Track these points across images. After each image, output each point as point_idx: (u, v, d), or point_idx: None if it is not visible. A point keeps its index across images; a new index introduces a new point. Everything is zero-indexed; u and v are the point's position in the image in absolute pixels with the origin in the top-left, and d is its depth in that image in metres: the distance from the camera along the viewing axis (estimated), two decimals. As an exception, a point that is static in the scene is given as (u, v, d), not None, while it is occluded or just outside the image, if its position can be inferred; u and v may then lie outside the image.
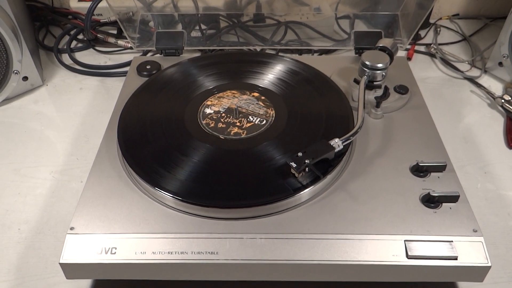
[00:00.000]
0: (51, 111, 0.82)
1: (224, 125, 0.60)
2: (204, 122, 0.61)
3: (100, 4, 0.91)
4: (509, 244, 0.58)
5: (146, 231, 0.49)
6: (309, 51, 0.93)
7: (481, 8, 1.07)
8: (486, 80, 0.87)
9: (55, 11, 1.03)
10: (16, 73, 0.81)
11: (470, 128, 0.76)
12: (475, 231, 0.48)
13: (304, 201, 0.51)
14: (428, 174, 0.54)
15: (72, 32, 1.00)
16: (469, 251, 0.47)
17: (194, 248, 0.47)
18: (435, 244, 0.47)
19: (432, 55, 0.94)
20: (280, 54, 0.88)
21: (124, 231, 0.49)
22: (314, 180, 0.51)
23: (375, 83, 0.64)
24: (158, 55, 0.82)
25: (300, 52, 0.93)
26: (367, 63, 0.63)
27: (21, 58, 0.80)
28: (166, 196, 0.51)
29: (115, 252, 0.47)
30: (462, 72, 0.89)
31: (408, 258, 0.47)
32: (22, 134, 0.76)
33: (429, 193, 0.51)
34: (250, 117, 0.61)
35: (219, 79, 0.69)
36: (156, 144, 0.58)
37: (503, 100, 0.79)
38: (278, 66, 0.71)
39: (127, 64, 0.91)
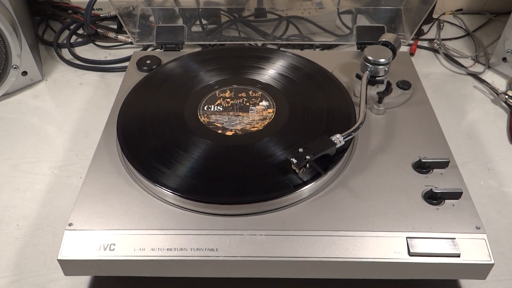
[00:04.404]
0: (50, 106, 0.81)
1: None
2: (204, 117, 0.60)
3: (100, -1, 0.91)
4: (512, 242, 0.58)
5: (145, 227, 0.48)
6: (311, 46, 0.92)
7: (484, 3, 1.06)
8: (489, 76, 0.86)
9: (54, 6, 1.02)
10: (15, 68, 0.80)
11: (473, 124, 0.75)
12: (478, 228, 0.48)
13: (305, 197, 0.51)
14: (431, 171, 0.54)
15: (72, 27, 0.99)
16: (472, 249, 0.46)
17: (194, 245, 0.47)
18: (437, 241, 0.47)
19: (435, 51, 0.93)
20: (281, 49, 0.88)
21: (123, 227, 0.48)
22: (315, 177, 0.51)
23: (377, 78, 0.64)
24: (158, 50, 0.82)
25: (301, 47, 0.92)
26: (370, 58, 0.62)
27: (20, 53, 0.80)
28: (166, 192, 0.50)
29: (113, 249, 0.47)
30: (465, 67, 0.88)
31: (410, 256, 0.46)
32: (21, 129, 0.76)
33: (431, 189, 0.50)
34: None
35: (219, 74, 0.68)
36: (156, 140, 0.57)
37: (506, 96, 0.78)
38: (279, 61, 0.70)
39: (127, 59, 0.90)
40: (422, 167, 0.54)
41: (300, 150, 0.51)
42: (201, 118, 0.60)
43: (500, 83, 0.84)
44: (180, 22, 0.88)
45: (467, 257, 0.46)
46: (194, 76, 0.68)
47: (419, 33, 0.97)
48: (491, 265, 0.46)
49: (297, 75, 0.67)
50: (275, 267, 0.47)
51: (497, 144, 0.72)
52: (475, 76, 0.86)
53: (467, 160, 0.69)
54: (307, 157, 0.50)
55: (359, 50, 0.78)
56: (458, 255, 0.46)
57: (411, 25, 0.79)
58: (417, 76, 0.69)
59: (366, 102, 0.58)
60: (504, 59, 0.85)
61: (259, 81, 0.66)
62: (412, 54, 0.92)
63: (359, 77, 0.65)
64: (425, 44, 0.96)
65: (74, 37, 0.99)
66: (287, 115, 0.60)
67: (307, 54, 0.74)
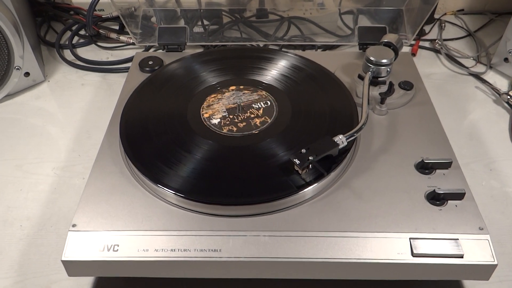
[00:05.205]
0: (53, 107, 0.81)
1: (227, 122, 0.59)
2: (206, 118, 0.60)
3: (102, 0, 0.91)
4: (515, 242, 0.58)
5: (149, 228, 0.48)
6: (313, 47, 0.92)
7: (486, 3, 1.06)
8: (491, 76, 0.86)
9: (56, 7, 1.02)
10: (17, 68, 0.80)
11: (475, 124, 0.75)
12: (481, 229, 0.48)
13: (307, 198, 0.51)
14: (433, 171, 0.54)
15: (74, 28, 1.00)
16: (475, 249, 0.46)
17: (197, 246, 0.47)
18: (440, 242, 0.47)
19: (437, 51, 0.93)
20: (283, 49, 0.88)
21: (126, 228, 0.48)
22: (318, 177, 0.51)
23: (379, 79, 0.64)
24: (160, 50, 0.82)
25: (303, 47, 0.92)
26: (372, 58, 0.62)
27: (23, 54, 0.80)
28: (169, 193, 0.50)
29: (117, 250, 0.47)
30: (467, 68, 0.88)
31: (413, 256, 0.46)
32: (24, 130, 0.76)
33: (434, 190, 0.50)
34: (253, 113, 0.61)
35: (221, 75, 0.68)
36: (158, 141, 0.57)
37: (508, 96, 0.78)
38: (281, 62, 0.70)
39: (129, 59, 0.91)
40: (424, 167, 0.54)
41: (303, 151, 0.51)
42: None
43: (502, 84, 0.84)
44: (182, 23, 0.88)
45: (470, 258, 0.46)
46: (196, 77, 0.68)
47: (421, 34, 0.97)
48: (495, 265, 0.46)
49: (299, 75, 0.67)
50: (278, 268, 0.47)
51: (499, 144, 0.72)
52: (477, 76, 0.86)
53: (469, 160, 0.69)
54: (310, 158, 0.50)
55: (361, 51, 0.78)
56: (461, 256, 0.46)
57: (412, 25, 0.79)
58: (419, 77, 0.69)
59: (368, 103, 0.58)
60: (506, 60, 0.85)
61: (261, 82, 0.67)
62: (413, 54, 0.92)
63: (361, 77, 0.65)
64: (427, 44, 0.96)
65: (76, 38, 0.99)
66: (290, 116, 0.60)
67: (309, 54, 0.74)
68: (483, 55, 0.92)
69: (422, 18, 0.76)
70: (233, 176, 0.53)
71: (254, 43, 0.89)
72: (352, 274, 0.48)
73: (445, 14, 1.05)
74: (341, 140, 0.52)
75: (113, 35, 0.96)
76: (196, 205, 0.50)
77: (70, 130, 0.76)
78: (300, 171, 0.51)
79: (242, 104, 0.62)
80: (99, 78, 0.88)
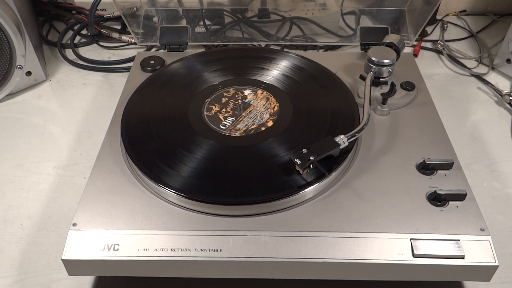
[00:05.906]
0: (54, 106, 0.81)
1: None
2: (208, 118, 0.60)
3: (104, -1, 0.91)
4: (516, 243, 0.57)
5: (149, 227, 0.48)
6: (314, 47, 0.92)
7: (488, 4, 1.06)
8: (493, 77, 0.86)
9: (59, 6, 1.03)
10: (19, 68, 0.81)
11: (477, 125, 0.75)
12: (482, 230, 0.48)
13: (308, 198, 0.51)
14: (435, 172, 0.54)
15: (76, 27, 1.00)
16: (476, 250, 0.46)
17: (197, 245, 0.47)
18: (441, 243, 0.47)
19: (439, 52, 0.93)
20: (285, 50, 0.88)
21: (126, 227, 0.48)
22: (319, 177, 0.51)
23: (381, 79, 0.64)
24: (162, 50, 0.82)
25: (305, 48, 0.92)
26: (374, 59, 0.62)
27: (25, 53, 0.80)
28: (169, 193, 0.50)
29: (117, 249, 0.47)
30: (469, 69, 0.88)
31: (414, 257, 0.46)
32: (25, 129, 0.76)
33: (435, 191, 0.50)
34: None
35: (223, 75, 0.68)
36: (160, 140, 0.57)
37: (510, 98, 0.78)
38: (283, 62, 0.70)
39: (131, 59, 0.91)
40: (426, 168, 0.54)
41: (304, 151, 0.51)
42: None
43: (504, 85, 0.84)
44: (183, 23, 0.88)
45: (471, 259, 0.46)
46: (197, 77, 0.68)
47: (423, 34, 0.97)
48: (496, 267, 0.46)
49: (300, 76, 0.67)
50: (279, 268, 0.47)
51: (500, 145, 0.71)
52: (479, 77, 0.86)
53: (470, 161, 0.68)
54: (311, 158, 0.50)
55: (363, 51, 0.78)
56: (462, 257, 0.46)
57: (414, 26, 0.79)
58: (421, 77, 0.69)
59: (370, 103, 0.58)
60: (508, 61, 0.84)
61: (263, 82, 0.66)
62: (415, 55, 0.92)
63: (363, 78, 0.65)
64: (429, 45, 0.95)
65: (78, 38, 0.99)
66: (291, 116, 0.60)
67: (311, 55, 0.74)
68: (485, 56, 0.91)
69: (424, 19, 0.76)
70: (234, 176, 0.52)
71: (255, 43, 0.89)
72: (352, 274, 0.48)
73: (447, 15, 1.05)
74: (342, 140, 0.52)
75: (115, 35, 0.96)
76: (196, 205, 0.50)
77: (72, 129, 0.76)
78: (301, 171, 0.51)
79: (243, 104, 0.62)
80: (100, 78, 0.88)
